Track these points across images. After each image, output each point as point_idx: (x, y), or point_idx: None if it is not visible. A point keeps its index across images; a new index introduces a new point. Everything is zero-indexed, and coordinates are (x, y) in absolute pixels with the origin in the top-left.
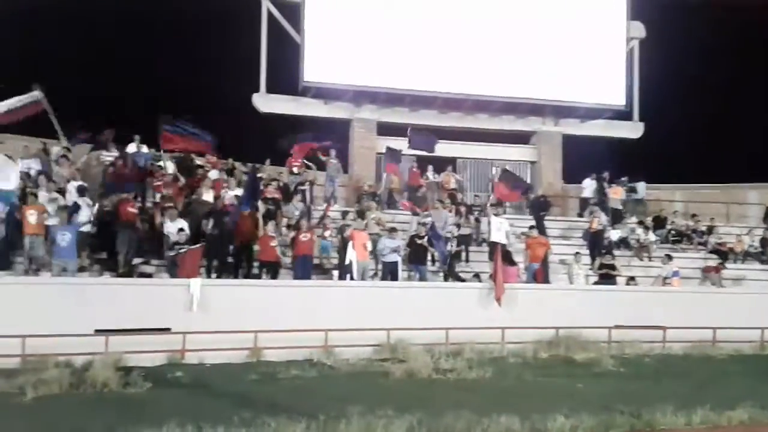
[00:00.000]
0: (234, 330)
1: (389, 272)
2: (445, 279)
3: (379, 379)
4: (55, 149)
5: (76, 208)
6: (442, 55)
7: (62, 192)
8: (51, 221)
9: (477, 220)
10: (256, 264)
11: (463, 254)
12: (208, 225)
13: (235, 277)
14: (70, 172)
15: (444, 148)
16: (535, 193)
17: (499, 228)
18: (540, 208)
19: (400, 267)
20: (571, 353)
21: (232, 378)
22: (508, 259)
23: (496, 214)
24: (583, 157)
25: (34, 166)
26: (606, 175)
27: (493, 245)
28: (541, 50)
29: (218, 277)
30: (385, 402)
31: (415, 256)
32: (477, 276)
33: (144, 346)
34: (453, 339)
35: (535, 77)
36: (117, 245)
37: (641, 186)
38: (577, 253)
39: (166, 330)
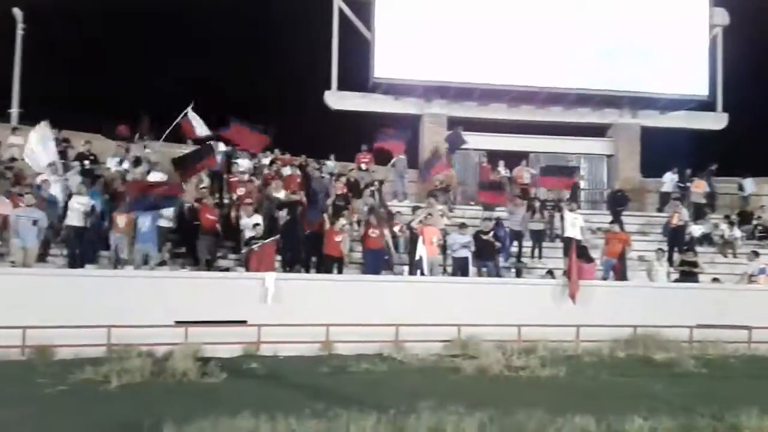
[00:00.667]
0: (306, 323)
1: (459, 268)
2: (518, 275)
3: (450, 375)
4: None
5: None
6: (512, 47)
7: None
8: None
9: (551, 216)
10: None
11: (536, 250)
12: (281, 220)
13: (307, 271)
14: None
15: (515, 142)
16: (612, 187)
17: (574, 223)
18: (617, 202)
19: (471, 262)
20: (650, 353)
21: (304, 370)
22: (584, 255)
23: (570, 210)
24: (662, 150)
25: (115, 163)
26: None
27: (567, 241)
28: (618, 39)
29: (291, 271)
30: (455, 398)
31: (483, 251)
32: (550, 272)
33: (221, 337)
34: (525, 336)
35: (612, 67)
36: (198, 251)
37: (749, 182)
38: (660, 249)
39: (243, 322)
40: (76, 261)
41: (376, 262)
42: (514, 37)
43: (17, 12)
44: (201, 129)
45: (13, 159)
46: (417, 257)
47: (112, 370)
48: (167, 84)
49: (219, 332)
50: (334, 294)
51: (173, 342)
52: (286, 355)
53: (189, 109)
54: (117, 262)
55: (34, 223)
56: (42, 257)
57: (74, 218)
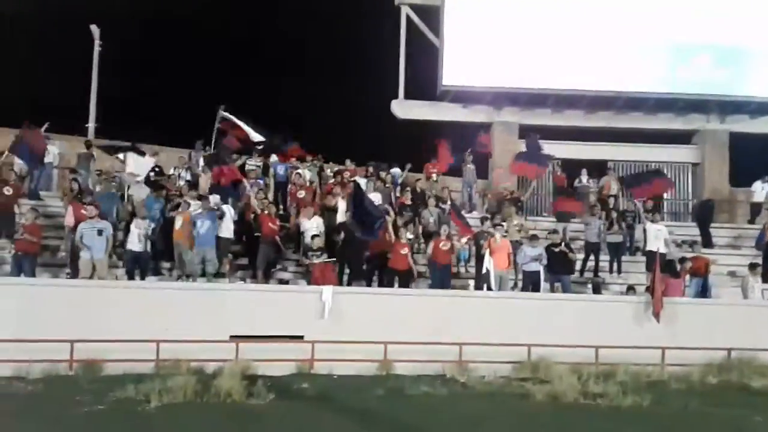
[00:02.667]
0: (364, 340)
1: (530, 283)
2: (595, 291)
3: (518, 402)
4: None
5: (222, 214)
6: (588, 50)
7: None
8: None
9: (630, 227)
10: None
11: (615, 264)
12: (341, 233)
13: (368, 284)
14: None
15: (592, 151)
16: (698, 197)
17: (657, 236)
18: (704, 214)
19: (543, 277)
20: (747, 379)
21: (358, 392)
22: (670, 270)
23: (652, 221)
24: (753, 157)
25: (183, 174)
26: None
27: (650, 255)
28: (703, 38)
29: (350, 284)
30: (524, 428)
31: (556, 265)
32: (632, 288)
33: (275, 354)
34: (604, 358)
35: (696, 69)
36: (257, 260)
37: None
38: (753, 263)
39: (299, 338)
40: (134, 278)
41: (444, 277)
42: (590, 40)
43: (95, 29)
44: (252, 133)
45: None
46: (484, 271)
47: (154, 388)
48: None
49: (273, 348)
50: (394, 309)
51: (225, 358)
52: (341, 374)
53: (221, 112)
54: (180, 274)
55: (100, 233)
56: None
57: (134, 243)
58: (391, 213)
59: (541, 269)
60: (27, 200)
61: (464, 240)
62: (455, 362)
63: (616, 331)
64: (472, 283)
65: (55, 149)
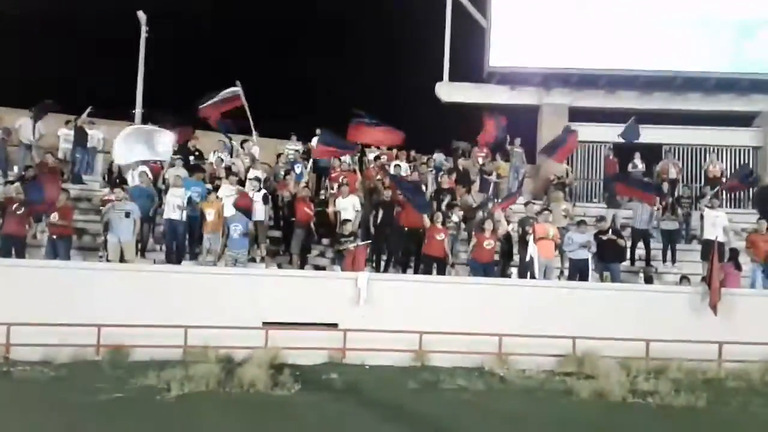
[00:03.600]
0: (399, 330)
1: (577, 271)
2: (647, 281)
3: (561, 399)
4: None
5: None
6: (642, 27)
7: (242, 183)
8: (228, 212)
9: (686, 214)
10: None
11: (669, 253)
12: (378, 216)
13: (404, 271)
14: (246, 164)
15: (648, 134)
16: (763, 182)
17: (715, 223)
18: (765, 200)
19: (591, 265)
20: None
21: (389, 384)
22: (730, 258)
23: (710, 207)
24: None
25: (224, 158)
26: None
27: (707, 243)
28: (765, 12)
29: (386, 270)
30: (566, 428)
31: (606, 253)
32: (686, 278)
33: (307, 342)
34: (655, 353)
35: (759, 47)
36: (291, 245)
37: None
38: None
39: (333, 325)
40: (172, 256)
41: (487, 272)
42: (645, 16)
43: (141, 15)
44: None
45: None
46: (527, 258)
47: (176, 376)
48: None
49: (305, 336)
50: (431, 297)
51: (256, 346)
52: (373, 365)
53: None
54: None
55: (127, 215)
56: (141, 253)
57: (169, 211)
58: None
59: (590, 257)
60: (70, 184)
61: (510, 227)
62: (494, 354)
63: (669, 323)
64: (515, 270)
65: (99, 134)
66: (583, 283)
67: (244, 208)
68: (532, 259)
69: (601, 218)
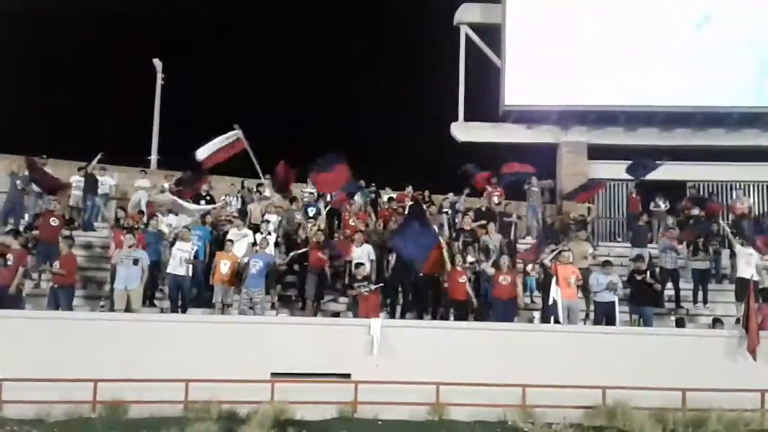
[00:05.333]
0: (414, 381)
1: (604, 314)
2: (678, 324)
3: None
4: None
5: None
6: (661, 63)
7: (257, 228)
8: (240, 253)
9: (716, 252)
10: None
11: (700, 294)
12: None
13: (420, 317)
14: (262, 208)
15: (670, 171)
16: None
17: (749, 261)
18: None
19: (618, 308)
20: None
21: None
22: (766, 299)
23: (742, 244)
24: None
25: (233, 203)
26: None
27: (742, 282)
28: None
29: (402, 316)
30: None
31: (639, 295)
32: (719, 321)
33: (317, 394)
34: (692, 403)
35: None
36: (306, 291)
37: None
38: None
39: (346, 376)
40: (178, 309)
41: (506, 314)
42: (664, 51)
43: (157, 62)
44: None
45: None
46: (551, 301)
47: None
48: (288, 123)
49: (315, 388)
50: (449, 345)
51: (263, 399)
52: (386, 419)
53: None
54: (222, 308)
55: (135, 262)
56: (150, 301)
57: (175, 266)
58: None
59: (616, 299)
60: (81, 232)
61: (530, 267)
62: (518, 407)
63: (706, 370)
64: (538, 315)
65: (110, 180)
66: (611, 327)
67: None
68: (555, 302)
69: (639, 257)
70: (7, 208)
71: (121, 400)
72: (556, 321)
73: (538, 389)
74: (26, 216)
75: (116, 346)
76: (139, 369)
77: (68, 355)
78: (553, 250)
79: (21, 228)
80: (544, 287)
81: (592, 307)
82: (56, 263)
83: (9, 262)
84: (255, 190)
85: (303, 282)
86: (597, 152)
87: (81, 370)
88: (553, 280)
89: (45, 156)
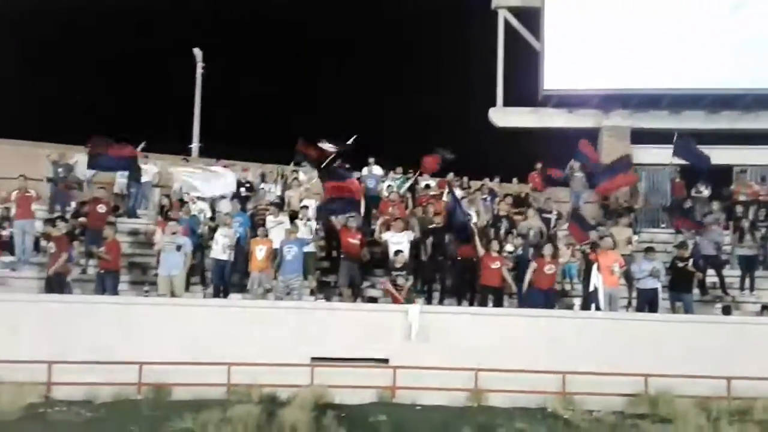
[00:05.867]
0: (453, 367)
1: (646, 302)
2: (724, 312)
3: None
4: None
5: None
6: (708, 43)
7: (295, 215)
8: (276, 245)
9: (763, 238)
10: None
11: (747, 281)
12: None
13: (458, 303)
14: (300, 194)
15: (716, 155)
16: None
17: None
18: None
19: (660, 295)
20: None
21: (441, 427)
22: None
23: None
24: None
25: (273, 190)
26: None
27: None
28: None
29: (440, 303)
30: None
31: (679, 282)
32: (767, 308)
33: (356, 379)
34: (738, 392)
35: None
36: (339, 277)
37: None
38: None
39: (384, 361)
40: (220, 294)
41: (548, 302)
42: (710, 31)
43: (197, 51)
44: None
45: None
46: (591, 288)
47: (213, 419)
48: (323, 111)
49: (354, 372)
50: (487, 331)
51: (303, 383)
52: (425, 404)
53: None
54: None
55: (178, 248)
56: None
57: (218, 251)
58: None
59: (659, 286)
60: (126, 219)
61: (571, 253)
62: (558, 394)
63: (752, 358)
64: (578, 302)
65: (153, 168)
66: (653, 314)
67: None
68: (596, 288)
69: (682, 244)
70: (55, 197)
71: (165, 383)
72: (597, 308)
73: (579, 376)
74: (72, 203)
75: (160, 330)
76: (183, 352)
77: (114, 339)
78: (601, 239)
79: (67, 215)
80: (584, 274)
81: (634, 294)
82: (102, 248)
83: (52, 250)
84: (292, 177)
85: (338, 268)
86: (640, 137)
87: (127, 353)
88: (594, 266)
89: (90, 145)
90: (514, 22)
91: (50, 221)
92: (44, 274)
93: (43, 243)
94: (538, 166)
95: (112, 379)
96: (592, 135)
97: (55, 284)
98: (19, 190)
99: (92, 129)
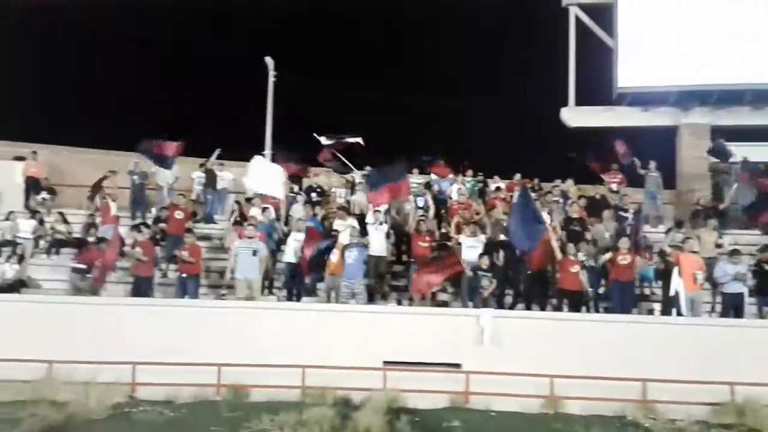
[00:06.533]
0: (527, 372)
1: (731, 307)
2: None
3: None
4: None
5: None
6: None
7: (363, 218)
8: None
9: None
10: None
11: None
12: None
13: (529, 308)
14: (364, 198)
15: None
16: None
17: None
18: None
19: (746, 300)
20: None
21: None
22: None
23: None
24: None
25: (343, 195)
26: None
27: None
28: None
29: (512, 307)
30: None
31: (765, 286)
32: None
33: (428, 383)
34: None
35: None
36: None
37: None
38: None
39: (457, 366)
40: (293, 298)
41: (626, 298)
42: None
43: (269, 60)
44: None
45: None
46: (672, 292)
47: (289, 421)
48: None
49: (426, 377)
50: (564, 337)
51: (375, 387)
52: (499, 411)
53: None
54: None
55: (254, 253)
56: (269, 290)
57: (290, 255)
58: (550, 227)
59: (745, 291)
60: (203, 224)
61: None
62: (638, 402)
63: None
64: (658, 307)
65: (228, 175)
66: (739, 320)
67: None
68: (677, 293)
69: (766, 247)
70: (133, 204)
71: (243, 384)
72: (679, 313)
73: (660, 384)
74: (152, 210)
75: (237, 333)
76: (258, 354)
77: (194, 341)
78: (682, 241)
79: (149, 221)
80: (664, 277)
81: (718, 299)
82: (185, 252)
83: (139, 255)
84: (358, 181)
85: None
86: (721, 134)
87: (206, 354)
88: (675, 270)
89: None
90: (586, 18)
91: (135, 227)
92: (128, 278)
93: (127, 248)
94: (614, 166)
95: (192, 380)
96: (669, 133)
97: (141, 288)
98: (102, 198)
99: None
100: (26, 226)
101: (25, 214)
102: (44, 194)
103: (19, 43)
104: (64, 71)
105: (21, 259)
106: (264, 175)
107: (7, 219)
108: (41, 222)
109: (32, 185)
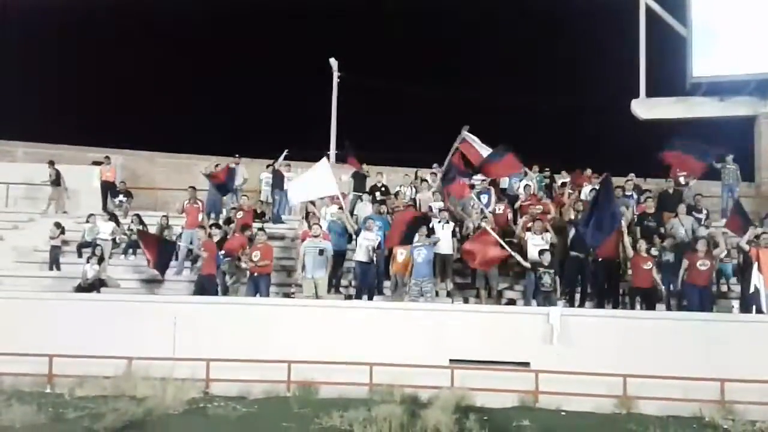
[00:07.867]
0: (599, 372)
1: None
2: None
3: None
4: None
5: (431, 230)
6: None
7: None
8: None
9: None
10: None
11: None
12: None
13: (600, 305)
14: (429, 197)
15: None
16: None
17: None
18: None
19: None
20: None
21: None
22: None
23: None
24: None
25: (408, 193)
26: None
27: None
28: None
29: (581, 305)
30: None
31: None
32: None
33: (496, 382)
34: None
35: None
36: (476, 279)
37: None
38: None
39: (525, 365)
40: (364, 296)
41: (704, 302)
42: None
43: (333, 62)
44: (483, 150)
45: None
46: (752, 289)
47: (359, 418)
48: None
49: (494, 375)
50: (636, 335)
51: (442, 385)
52: (570, 411)
53: (464, 132)
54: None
55: (321, 253)
56: (336, 288)
57: (361, 254)
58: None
59: None
60: (271, 224)
61: (723, 253)
62: (716, 402)
63: None
64: (736, 304)
65: (295, 176)
66: None
67: None
68: (757, 289)
69: None
70: (209, 206)
71: (313, 381)
72: (759, 310)
73: (739, 384)
74: (224, 211)
75: (307, 330)
76: (327, 352)
77: (265, 338)
78: (758, 235)
79: (220, 222)
80: (743, 274)
81: None
82: (257, 252)
83: (205, 254)
84: (423, 179)
85: (475, 270)
86: None
87: (276, 351)
88: (755, 266)
89: (238, 155)
90: (656, 6)
91: (210, 227)
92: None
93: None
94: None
95: (263, 376)
96: (747, 123)
97: (209, 287)
98: (188, 201)
99: (240, 141)
100: (105, 228)
101: (103, 217)
102: (121, 197)
103: (95, 48)
104: (142, 77)
105: (101, 259)
106: (314, 182)
107: (87, 221)
108: (118, 223)
109: (108, 189)
